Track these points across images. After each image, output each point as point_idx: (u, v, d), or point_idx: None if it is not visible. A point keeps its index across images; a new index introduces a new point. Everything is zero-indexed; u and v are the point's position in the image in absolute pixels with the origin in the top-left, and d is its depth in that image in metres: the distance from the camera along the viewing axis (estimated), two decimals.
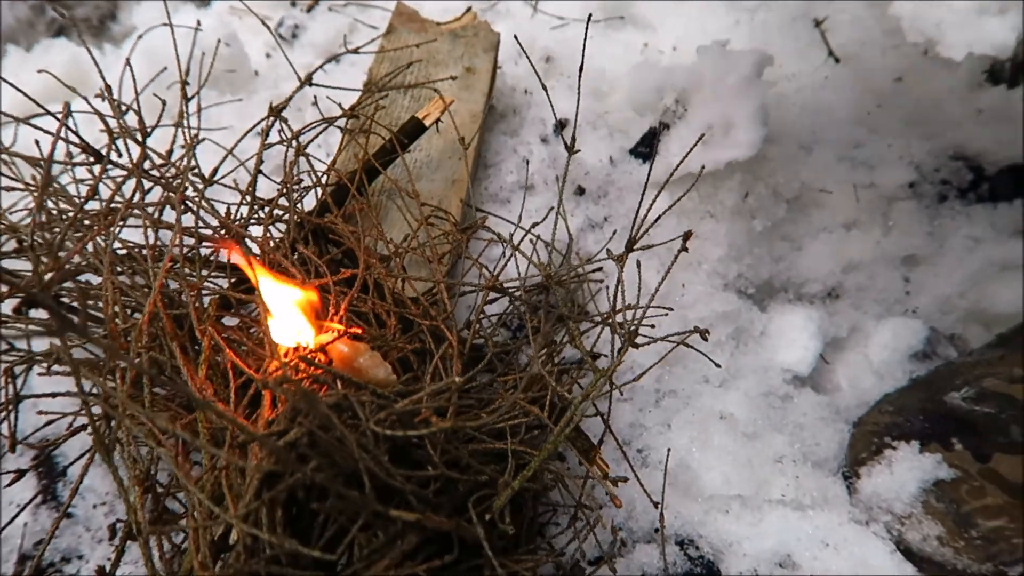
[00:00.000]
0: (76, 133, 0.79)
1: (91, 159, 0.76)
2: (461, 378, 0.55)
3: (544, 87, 0.90)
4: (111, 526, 0.83)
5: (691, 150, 0.79)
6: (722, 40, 1.27)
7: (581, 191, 1.17)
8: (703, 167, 0.87)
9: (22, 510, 0.82)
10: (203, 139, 0.89)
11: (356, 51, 1.08)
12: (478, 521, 0.55)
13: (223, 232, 0.77)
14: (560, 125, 1.27)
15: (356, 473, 0.49)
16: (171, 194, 0.71)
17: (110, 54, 1.39)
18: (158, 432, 0.55)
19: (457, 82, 1.18)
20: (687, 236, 0.71)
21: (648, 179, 0.79)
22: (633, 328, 0.69)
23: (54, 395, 0.77)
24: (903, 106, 1.26)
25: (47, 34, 1.60)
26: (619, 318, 0.79)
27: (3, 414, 0.71)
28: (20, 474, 0.74)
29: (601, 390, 0.71)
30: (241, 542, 0.46)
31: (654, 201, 0.77)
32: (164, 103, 0.86)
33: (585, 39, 0.81)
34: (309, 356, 0.58)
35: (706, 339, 0.74)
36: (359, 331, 0.64)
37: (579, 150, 1.04)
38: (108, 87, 0.83)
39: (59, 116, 0.88)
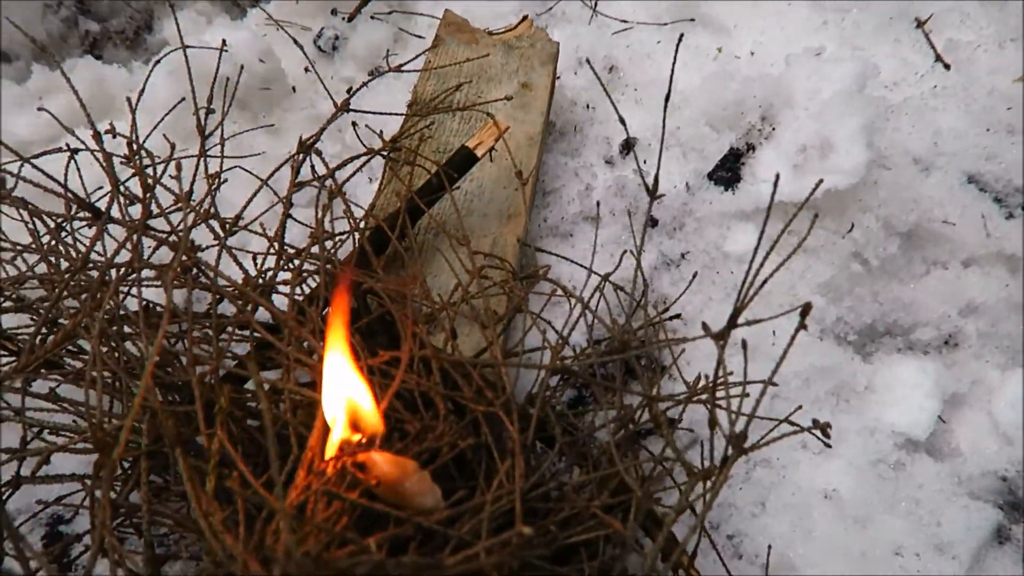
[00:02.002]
0: (69, 189, 0.69)
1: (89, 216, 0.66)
2: (530, 530, 0.42)
3: (613, 104, 0.76)
4: None
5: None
6: (813, 47, 1.12)
7: (654, 223, 1.03)
8: (816, 187, 0.72)
9: None
10: (225, 179, 0.77)
11: (400, 69, 0.96)
12: None
13: (241, 294, 0.65)
14: (627, 145, 1.13)
15: None
16: (183, 256, 0.59)
17: (138, 72, 1.30)
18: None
19: (512, 101, 1.05)
20: (806, 310, 0.57)
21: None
22: (742, 430, 0.55)
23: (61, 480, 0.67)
24: None
25: (80, 48, 1.53)
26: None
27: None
28: None
29: (695, 497, 0.58)
30: None
31: (761, 258, 0.63)
32: (173, 147, 0.75)
33: (675, 57, 0.67)
34: (340, 478, 0.46)
35: (828, 435, 0.59)
36: (405, 437, 0.52)
37: (662, 195, 0.90)
38: (112, 127, 0.73)
39: (63, 150, 0.78)
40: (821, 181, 0.62)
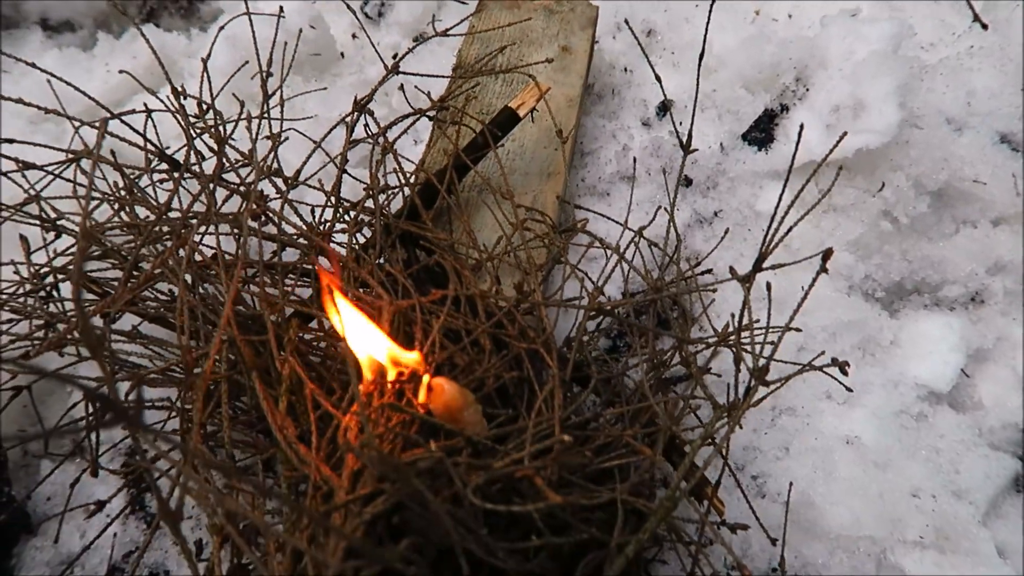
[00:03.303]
0: (150, 141, 0.75)
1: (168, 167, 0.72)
2: (570, 437, 0.48)
3: (653, 68, 0.80)
4: (197, 542, 0.80)
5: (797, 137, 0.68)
6: (849, 9, 1.13)
7: (688, 182, 1.07)
8: (836, 145, 0.75)
9: (112, 520, 0.81)
10: (286, 138, 0.83)
11: (445, 33, 1.00)
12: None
13: (306, 241, 0.71)
14: (664, 108, 1.16)
15: (450, 547, 0.43)
16: (253, 205, 0.65)
17: (196, 39, 1.36)
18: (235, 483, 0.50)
19: (552, 64, 1.09)
20: (827, 255, 0.61)
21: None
22: (764, 363, 0.60)
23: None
24: None
25: (139, 18, 1.60)
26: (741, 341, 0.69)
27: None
28: (100, 505, 0.72)
29: (719, 427, 0.63)
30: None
31: (784, 209, 0.67)
32: (243, 105, 0.81)
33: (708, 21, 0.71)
34: (406, 397, 0.52)
35: (846, 372, 0.64)
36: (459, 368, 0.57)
37: (695, 149, 0.94)
38: (183, 89, 0.79)
39: (140, 109, 0.85)
40: (844, 135, 0.66)
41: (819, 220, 1.03)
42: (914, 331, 0.99)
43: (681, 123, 1.16)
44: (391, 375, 0.55)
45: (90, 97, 0.85)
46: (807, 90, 1.07)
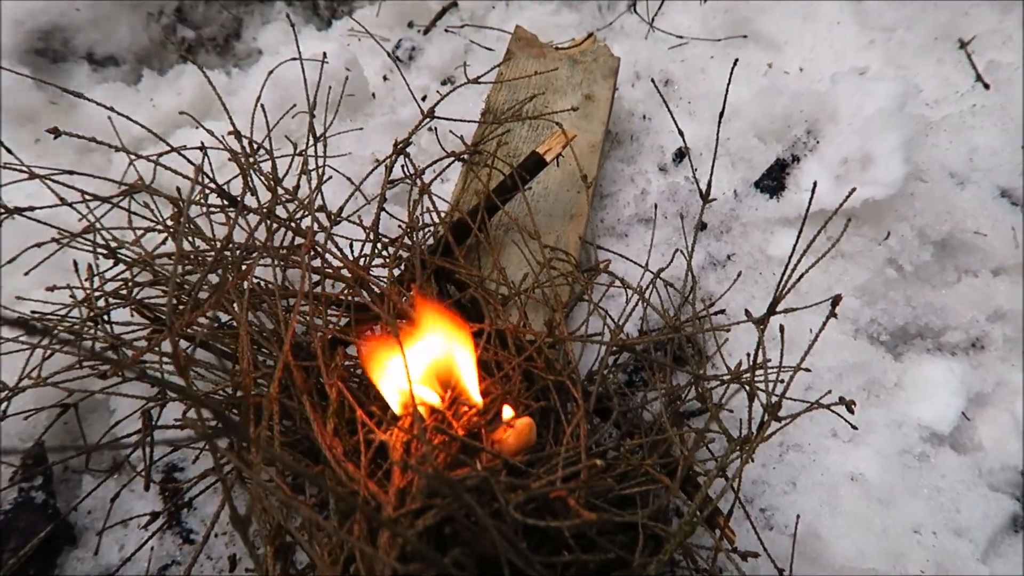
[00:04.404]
0: (208, 176, 0.81)
1: (226, 202, 0.78)
2: (601, 462, 0.53)
3: (674, 118, 0.86)
4: (231, 557, 0.84)
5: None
6: (859, 67, 1.20)
7: (703, 226, 1.13)
8: (849, 196, 0.81)
9: (152, 536, 0.85)
10: (329, 177, 0.89)
11: (476, 81, 1.07)
12: None
13: (348, 274, 0.77)
14: (680, 154, 1.22)
15: (492, 556, 0.48)
16: (300, 239, 0.71)
17: (236, 78, 1.43)
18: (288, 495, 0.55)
19: (576, 112, 1.15)
20: (836, 301, 0.66)
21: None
22: (776, 400, 0.65)
23: (182, 426, 0.79)
24: None
25: (177, 52, 1.68)
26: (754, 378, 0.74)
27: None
28: (154, 516, 0.77)
29: (733, 460, 0.67)
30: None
31: (798, 256, 0.72)
32: (296, 147, 0.87)
33: (729, 77, 0.77)
34: (484, 435, 0.57)
35: (853, 411, 0.68)
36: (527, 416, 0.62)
37: (714, 199, 0.99)
38: (237, 131, 0.85)
39: (195, 145, 0.91)
40: (854, 189, 0.71)
41: (828, 266, 1.08)
42: (917, 374, 1.04)
43: (697, 169, 1.22)
44: (456, 405, 0.60)
45: (149, 130, 0.91)
46: (817, 142, 1.12)
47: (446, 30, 1.50)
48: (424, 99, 1.39)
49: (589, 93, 1.20)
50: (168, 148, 0.84)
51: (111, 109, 0.92)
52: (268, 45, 1.51)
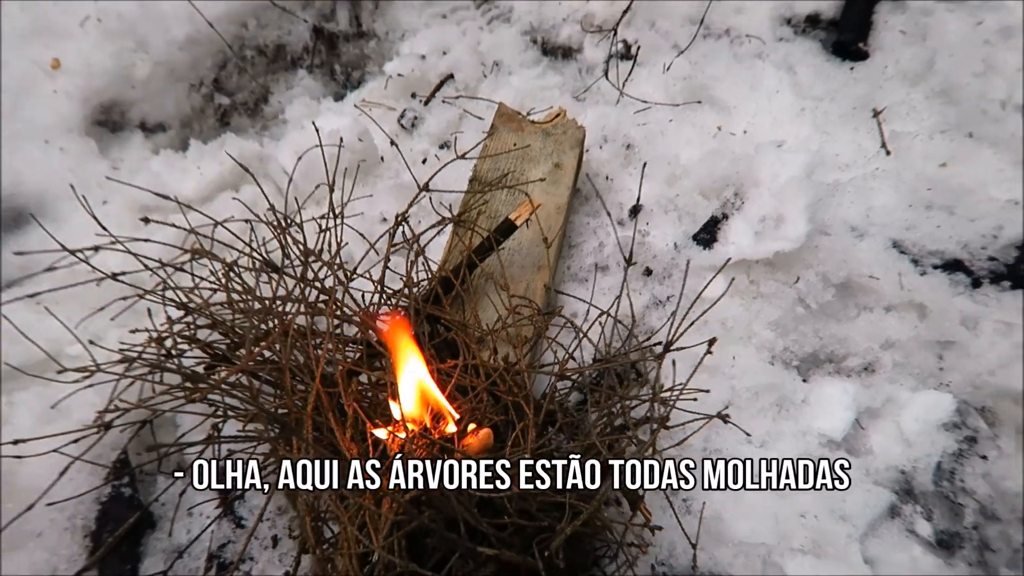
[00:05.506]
0: (256, 250, 1.08)
1: (269, 269, 1.04)
2: (530, 455, 0.78)
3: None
4: (273, 537, 1.10)
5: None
6: (778, 140, 1.46)
7: (649, 272, 1.38)
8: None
9: (212, 523, 1.11)
10: (347, 243, 1.16)
11: (464, 156, 1.33)
12: (539, 557, 0.78)
13: (366, 318, 1.03)
14: (634, 211, 1.48)
15: (455, 519, 0.73)
16: (323, 298, 0.97)
17: (267, 145, 1.70)
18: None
19: (546, 179, 1.41)
20: (711, 342, 0.91)
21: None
22: (665, 413, 0.90)
23: (241, 438, 1.05)
24: (951, 190, 1.40)
25: (215, 117, 1.95)
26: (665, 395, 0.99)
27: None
28: (223, 500, 1.02)
29: (645, 454, 0.92)
30: (381, 562, 0.70)
31: (690, 304, 0.98)
32: (320, 224, 1.13)
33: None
34: (449, 442, 0.83)
35: (726, 421, 0.93)
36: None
37: (635, 262, 1.25)
38: (274, 207, 1.11)
39: (241, 199, 1.18)
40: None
41: (749, 304, 1.33)
42: (820, 393, 1.28)
43: (648, 223, 1.48)
44: (439, 418, 0.86)
45: (182, 201, 1.18)
46: (743, 203, 1.38)
47: (443, 101, 1.77)
48: (424, 162, 1.66)
49: (558, 162, 1.46)
50: (218, 221, 1.10)
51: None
52: (294, 118, 1.78)
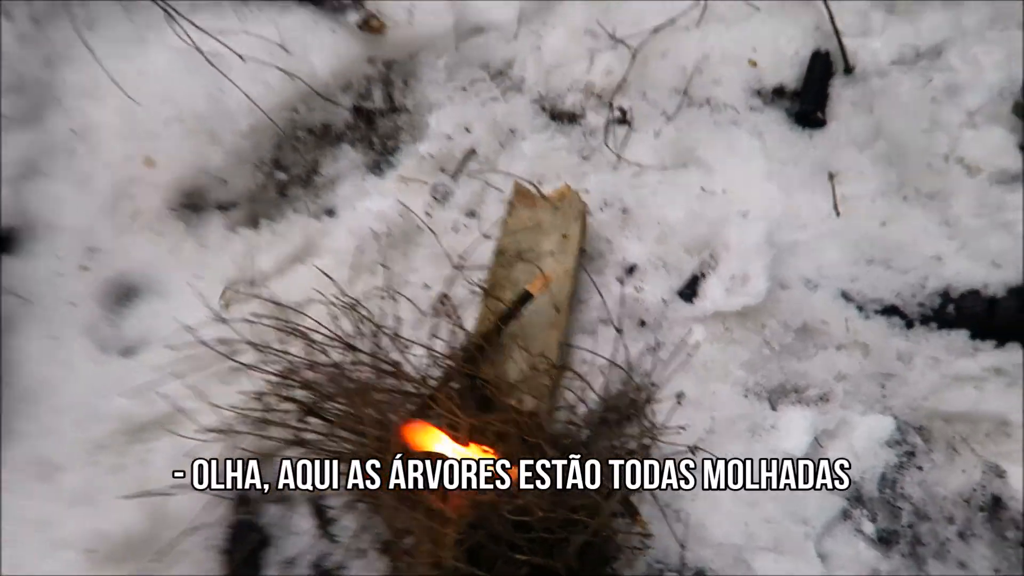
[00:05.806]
0: (335, 335, 1.41)
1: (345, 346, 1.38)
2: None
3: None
4: (360, 548, 1.44)
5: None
6: (745, 209, 1.76)
7: (643, 323, 1.69)
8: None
9: (313, 540, 1.44)
10: (401, 317, 1.49)
11: (486, 236, 1.65)
12: (559, 561, 1.10)
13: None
14: (631, 270, 1.79)
15: (502, 536, 1.05)
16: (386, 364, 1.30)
17: (325, 221, 2.03)
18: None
19: (556, 249, 1.73)
20: (680, 396, 1.23)
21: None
22: (647, 443, 1.22)
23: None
24: (887, 247, 1.70)
25: (275, 191, 2.29)
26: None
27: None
28: (322, 518, 1.36)
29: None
30: (449, 567, 1.03)
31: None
32: (376, 312, 1.46)
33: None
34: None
35: (694, 453, 1.25)
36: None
37: (620, 329, 1.56)
38: (343, 300, 1.45)
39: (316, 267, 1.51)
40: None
41: (725, 348, 1.64)
42: (786, 419, 1.58)
43: (642, 280, 1.78)
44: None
45: (260, 276, 1.52)
46: (716, 263, 1.69)
47: (468, 175, 2.09)
48: (455, 231, 1.98)
49: (565, 233, 1.77)
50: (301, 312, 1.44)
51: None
52: (345, 198, 2.10)
